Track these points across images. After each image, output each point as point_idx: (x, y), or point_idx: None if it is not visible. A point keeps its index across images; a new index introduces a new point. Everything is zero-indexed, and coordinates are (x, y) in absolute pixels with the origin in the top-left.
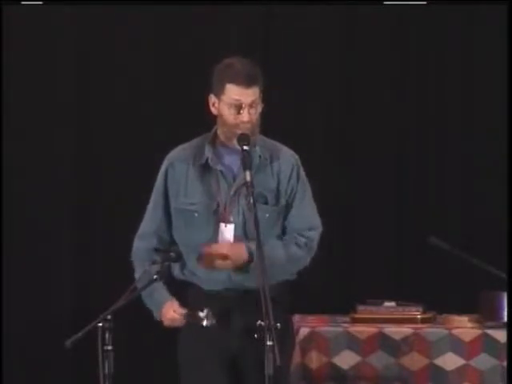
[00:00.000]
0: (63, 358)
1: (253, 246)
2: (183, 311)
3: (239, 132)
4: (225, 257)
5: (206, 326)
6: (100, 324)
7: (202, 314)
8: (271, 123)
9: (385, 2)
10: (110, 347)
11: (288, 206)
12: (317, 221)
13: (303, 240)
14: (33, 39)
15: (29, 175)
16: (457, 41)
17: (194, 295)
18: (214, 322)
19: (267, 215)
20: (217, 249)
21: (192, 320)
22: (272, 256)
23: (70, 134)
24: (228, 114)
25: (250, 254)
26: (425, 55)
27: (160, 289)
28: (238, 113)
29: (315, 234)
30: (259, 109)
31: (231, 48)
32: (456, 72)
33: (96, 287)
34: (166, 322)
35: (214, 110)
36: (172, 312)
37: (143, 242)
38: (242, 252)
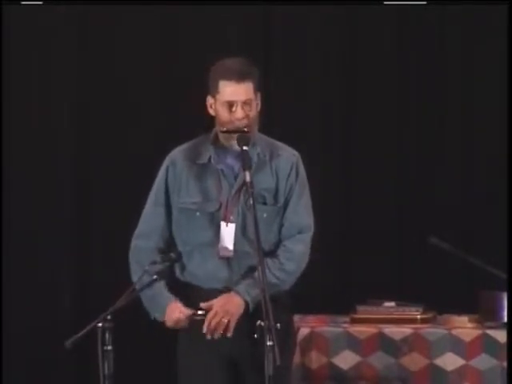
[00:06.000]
0: (63, 358)
1: (241, 289)
2: (188, 312)
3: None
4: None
5: None
6: (100, 324)
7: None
8: (271, 123)
9: (385, 2)
10: (109, 347)
11: (285, 204)
12: (309, 222)
13: (288, 255)
14: (33, 39)
15: (29, 176)
16: (457, 41)
17: (195, 295)
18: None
19: (265, 215)
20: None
21: (198, 320)
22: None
23: (70, 134)
24: (222, 111)
25: (244, 299)
26: (425, 55)
27: (162, 291)
28: (232, 110)
29: (305, 238)
30: (255, 106)
31: (231, 48)
32: (456, 72)
33: (96, 287)
34: (170, 324)
35: (211, 111)
36: (177, 313)
37: (145, 241)
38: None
